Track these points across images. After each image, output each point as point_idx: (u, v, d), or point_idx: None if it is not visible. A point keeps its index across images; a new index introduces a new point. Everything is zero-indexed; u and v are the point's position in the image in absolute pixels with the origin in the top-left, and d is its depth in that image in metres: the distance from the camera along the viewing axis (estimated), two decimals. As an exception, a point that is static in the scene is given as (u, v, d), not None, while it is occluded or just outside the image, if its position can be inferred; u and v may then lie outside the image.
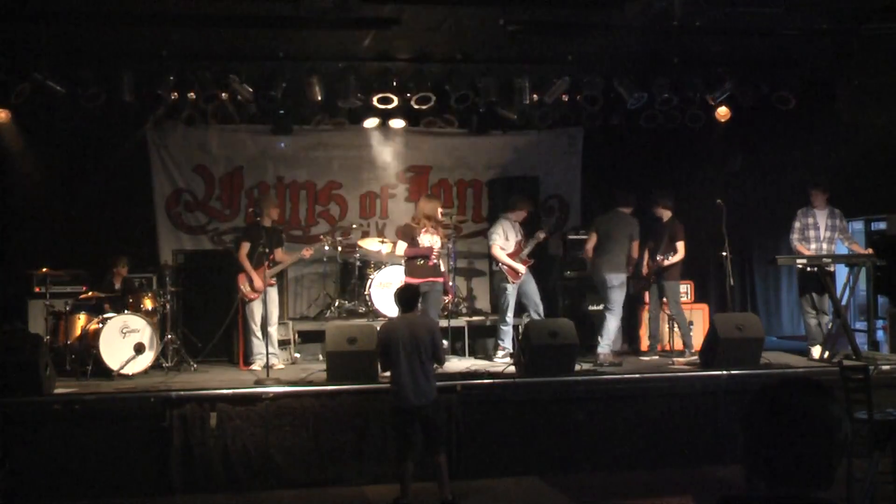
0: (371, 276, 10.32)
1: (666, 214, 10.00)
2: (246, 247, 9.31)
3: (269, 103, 9.94)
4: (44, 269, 9.67)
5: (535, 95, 10.22)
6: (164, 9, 8.18)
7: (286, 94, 9.77)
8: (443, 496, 6.67)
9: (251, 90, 9.66)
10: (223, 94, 9.79)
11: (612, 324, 9.48)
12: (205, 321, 9.93)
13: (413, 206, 10.76)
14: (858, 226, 11.10)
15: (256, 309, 9.32)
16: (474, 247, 11.59)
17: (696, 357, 9.32)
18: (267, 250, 9.19)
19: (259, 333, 9.31)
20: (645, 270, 10.10)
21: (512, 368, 8.69)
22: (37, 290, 9.77)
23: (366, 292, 10.30)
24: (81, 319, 9.30)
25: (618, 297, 9.49)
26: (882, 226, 10.85)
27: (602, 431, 8.03)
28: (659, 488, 7.52)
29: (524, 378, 8.26)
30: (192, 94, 9.77)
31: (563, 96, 10.30)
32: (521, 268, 9.63)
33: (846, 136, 10.36)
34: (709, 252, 10.72)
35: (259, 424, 7.59)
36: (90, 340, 8.82)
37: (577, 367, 8.57)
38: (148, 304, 9.35)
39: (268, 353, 8.76)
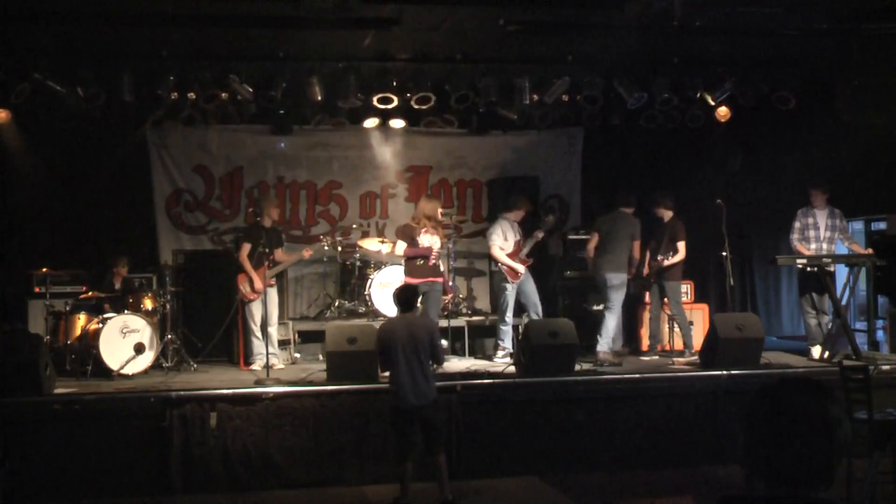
0: (371, 276, 10.32)
1: (667, 215, 10.01)
2: (247, 247, 9.29)
3: (269, 103, 9.94)
4: (44, 269, 9.67)
5: (535, 95, 10.22)
6: (164, 9, 8.17)
7: (286, 94, 9.78)
8: (443, 496, 6.66)
9: (251, 90, 9.67)
10: (223, 94, 9.80)
11: (611, 322, 9.49)
12: (205, 321, 9.92)
13: (413, 206, 10.75)
14: (858, 226, 11.09)
15: (256, 309, 9.31)
16: (474, 247, 11.57)
17: (696, 357, 9.32)
18: (267, 251, 9.20)
19: (259, 333, 9.30)
20: (646, 270, 10.10)
21: (512, 368, 8.69)
22: (37, 290, 9.76)
23: (366, 292, 10.30)
24: (81, 319, 9.30)
25: (618, 296, 9.51)
26: (882, 226, 10.84)
27: (602, 431, 8.03)
28: (659, 488, 7.52)
29: (524, 378, 8.26)
30: (191, 94, 9.77)
31: (563, 96, 10.31)
32: (521, 268, 9.63)
33: (846, 136, 10.34)
34: (709, 252, 10.70)
35: (259, 424, 7.59)
36: (90, 340, 8.82)
37: (577, 367, 8.56)
38: (148, 304, 9.35)
39: (268, 354, 8.76)
